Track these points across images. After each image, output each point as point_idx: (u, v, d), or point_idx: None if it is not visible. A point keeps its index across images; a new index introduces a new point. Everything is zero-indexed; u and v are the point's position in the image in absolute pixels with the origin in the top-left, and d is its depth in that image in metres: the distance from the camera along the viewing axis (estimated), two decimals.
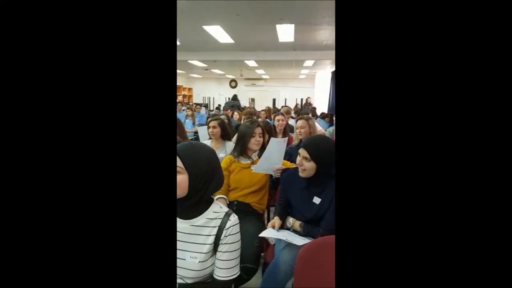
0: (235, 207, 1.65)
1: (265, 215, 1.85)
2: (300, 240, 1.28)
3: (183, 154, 0.85)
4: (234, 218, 0.92)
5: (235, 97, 9.52)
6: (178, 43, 5.12)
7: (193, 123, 5.50)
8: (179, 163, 0.84)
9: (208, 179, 0.89)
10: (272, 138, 1.66)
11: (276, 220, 1.41)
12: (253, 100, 9.69)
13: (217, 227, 0.90)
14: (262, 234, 1.35)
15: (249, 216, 1.62)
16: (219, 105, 7.08)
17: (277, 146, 1.62)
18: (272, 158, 1.62)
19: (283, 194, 1.49)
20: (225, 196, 1.67)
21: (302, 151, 1.31)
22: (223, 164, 1.78)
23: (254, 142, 1.73)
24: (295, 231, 1.40)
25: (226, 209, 0.95)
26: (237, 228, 0.92)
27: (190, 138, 4.19)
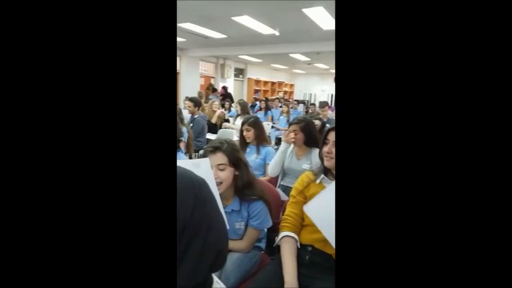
0: (309, 255, 1.09)
1: None
2: None
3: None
4: None
5: None
6: (277, 33, 4.74)
7: (287, 121, 5.10)
8: None
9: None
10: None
11: None
12: None
13: None
14: None
15: (329, 276, 1.03)
16: (319, 102, 6.42)
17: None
18: None
19: None
20: (295, 235, 1.12)
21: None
22: (297, 185, 1.23)
23: (325, 154, 1.14)
24: None
25: None
26: None
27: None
